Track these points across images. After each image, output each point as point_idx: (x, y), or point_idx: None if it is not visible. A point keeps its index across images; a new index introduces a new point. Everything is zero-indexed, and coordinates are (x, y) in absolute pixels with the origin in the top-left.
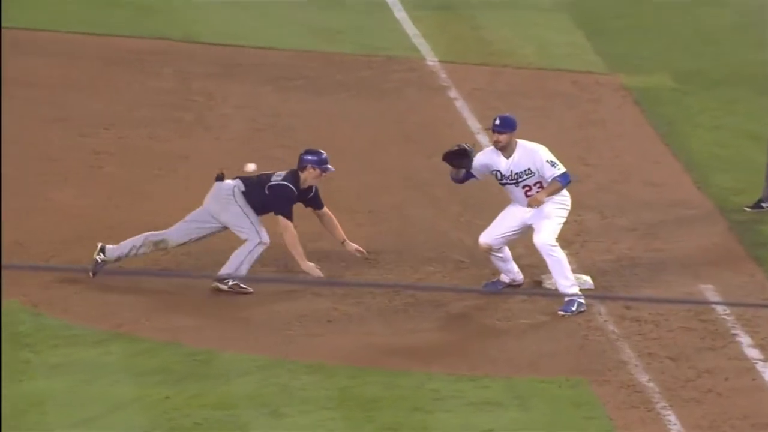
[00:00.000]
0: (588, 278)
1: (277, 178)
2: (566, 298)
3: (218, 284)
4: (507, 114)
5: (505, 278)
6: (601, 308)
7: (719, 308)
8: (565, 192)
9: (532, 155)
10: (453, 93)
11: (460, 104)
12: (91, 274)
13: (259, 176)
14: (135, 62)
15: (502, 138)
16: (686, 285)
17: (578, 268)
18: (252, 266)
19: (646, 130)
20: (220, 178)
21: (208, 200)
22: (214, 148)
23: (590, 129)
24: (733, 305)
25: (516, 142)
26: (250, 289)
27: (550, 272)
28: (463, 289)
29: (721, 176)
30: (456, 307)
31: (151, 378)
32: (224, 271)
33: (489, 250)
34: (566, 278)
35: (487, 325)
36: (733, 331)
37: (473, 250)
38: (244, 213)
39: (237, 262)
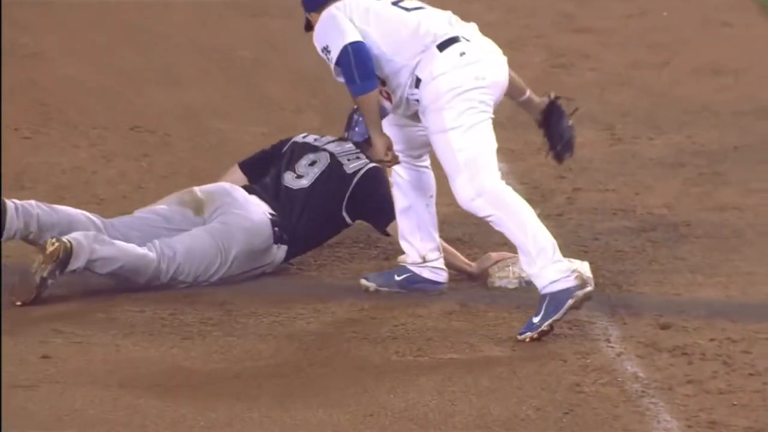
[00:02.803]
0: (584, 266)
1: (356, 164)
2: (545, 302)
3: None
4: None
5: (412, 256)
6: (611, 328)
7: None
8: (453, 48)
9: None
10: None
11: None
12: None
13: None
14: None
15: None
16: None
17: (562, 245)
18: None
19: None
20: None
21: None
22: None
23: None
24: None
25: None
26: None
27: (505, 259)
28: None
29: None
30: (311, 326)
31: None
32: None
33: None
34: (528, 251)
35: (376, 362)
36: None
37: None
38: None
39: (125, 257)
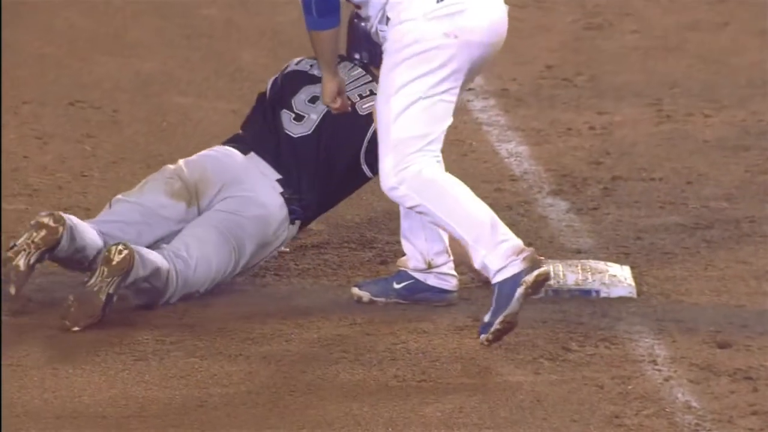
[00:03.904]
0: (625, 271)
1: (372, 102)
2: (495, 294)
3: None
4: None
5: (414, 260)
6: (657, 347)
7: None
8: None
9: None
10: None
11: None
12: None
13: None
14: None
15: None
16: None
17: (597, 245)
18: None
19: None
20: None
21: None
22: None
23: None
24: None
25: None
26: None
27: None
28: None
29: None
30: (292, 345)
31: None
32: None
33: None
34: (465, 242)
35: (371, 388)
36: None
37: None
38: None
39: (158, 282)
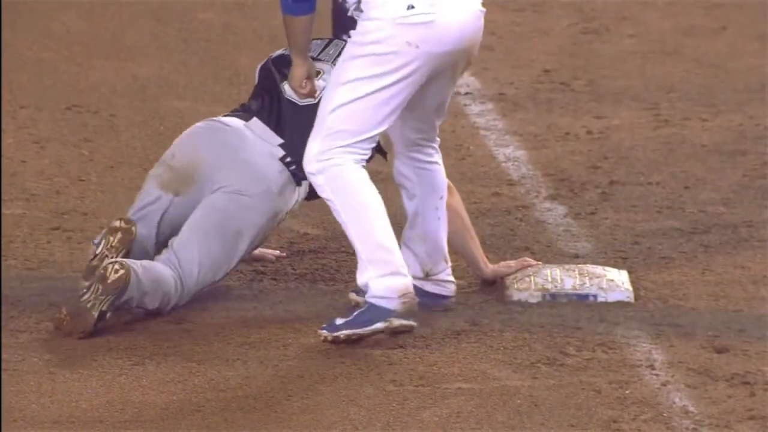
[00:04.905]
0: (622, 276)
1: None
2: (361, 309)
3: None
4: None
5: (413, 268)
6: (655, 352)
7: None
8: None
9: None
10: None
11: None
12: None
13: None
14: None
15: None
16: None
17: (595, 250)
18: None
19: None
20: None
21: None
22: None
23: None
24: None
25: None
26: None
27: (526, 268)
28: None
29: None
30: (289, 350)
31: None
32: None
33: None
34: (359, 255)
35: (368, 393)
36: None
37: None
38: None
39: (161, 293)
